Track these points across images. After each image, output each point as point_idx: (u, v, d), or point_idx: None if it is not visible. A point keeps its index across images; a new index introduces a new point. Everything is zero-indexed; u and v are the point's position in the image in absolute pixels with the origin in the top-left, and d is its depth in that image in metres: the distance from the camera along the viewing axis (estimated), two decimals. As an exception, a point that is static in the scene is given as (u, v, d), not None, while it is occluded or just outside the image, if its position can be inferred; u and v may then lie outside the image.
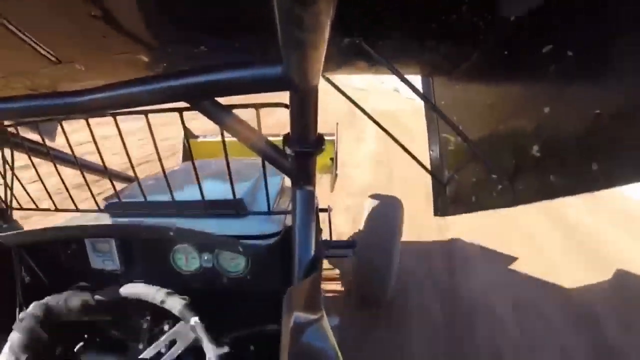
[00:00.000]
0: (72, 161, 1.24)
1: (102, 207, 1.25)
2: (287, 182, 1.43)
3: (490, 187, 0.92)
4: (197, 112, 0.69)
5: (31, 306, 1.00)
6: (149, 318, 1.08)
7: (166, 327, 1.06)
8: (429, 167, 1.27)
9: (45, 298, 1.02)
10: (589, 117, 0.62)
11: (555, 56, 0.68)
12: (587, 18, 0.62)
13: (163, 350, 1.02)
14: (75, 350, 1.07)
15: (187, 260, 1.15)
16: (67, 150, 1.23)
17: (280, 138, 0.72)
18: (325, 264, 2.69)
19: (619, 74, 0.58)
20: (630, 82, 0.55)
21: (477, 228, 3.24)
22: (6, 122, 1.09)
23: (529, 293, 2.61)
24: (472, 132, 0.97)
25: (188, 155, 2.14)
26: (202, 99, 0.66)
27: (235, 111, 0.72)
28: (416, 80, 1.16)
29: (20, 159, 1.18)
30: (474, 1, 0.76)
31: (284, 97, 0.67)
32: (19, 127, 1.12)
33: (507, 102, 0.87)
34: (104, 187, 1.31)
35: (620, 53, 0.58)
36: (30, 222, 1.26)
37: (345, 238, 2.82)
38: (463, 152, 1.08)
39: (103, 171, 1.24)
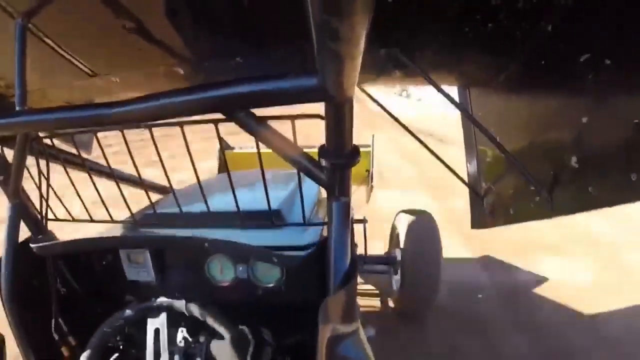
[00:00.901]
0: (107, 172, 1.24)
1: (137, 218, 1.23)
2: (323, 193, 1.44)
3: (528, 199, 0.90)
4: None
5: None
6: (184, 330, 1.10)
7: (202, 339, 1.07)
8: (466, 179, 1.25)
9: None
10: (628, 126, 0.60)
11: (593, 65, 0.67)
12: (624, 25, 0.61)
13: None
14: None
15: (222, 271, 1.16)
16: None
17: (316, 149, 0.72)
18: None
19: None
20: None
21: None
22: (42, 134, 1.10)
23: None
24: (510, 144, 0.96)
25: (223, 166, 2.18)
26: (237, 110, 0.66)
27: (271, 123, 0.72)
28: (452, 91, 1.17)
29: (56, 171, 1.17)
30: (510, 11, 0.76)
31: (321, 109, 0.68)
32: (54, 139, 1.14)
33: (544, 112, 0.85)
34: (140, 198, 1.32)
35: None
36: (65, 234, 1.23)
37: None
38: (500, 164, 1.07)
39: (138, 182, 1.24)
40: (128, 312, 1.06)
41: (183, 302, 1.08)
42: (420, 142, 1.23)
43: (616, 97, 0.64)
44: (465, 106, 1.17)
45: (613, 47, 0.64)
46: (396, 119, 1.25)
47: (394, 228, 2.43)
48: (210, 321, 1.04)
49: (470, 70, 1.04)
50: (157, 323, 1.08)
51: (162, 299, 1.08)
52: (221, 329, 1.03)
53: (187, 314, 1.06)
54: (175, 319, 1.10)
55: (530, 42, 0.81)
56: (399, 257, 2.24)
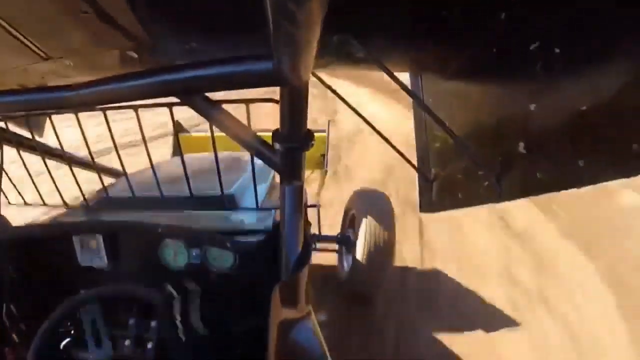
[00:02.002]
0: (60, 156, 1.23)
1: (90, 202, 1.24)
2: (277, 177, 1.43)
3: (476, 184, 0.93)
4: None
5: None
6: (135, 314, 1.07)
7: (153, 324, 1.04)
8: (415, 163, 1.27)
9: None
10: (574, 113, 0.63)
11: (542, 53, 0.69)
12: (573, 14, 0.63)
13: (150, 346, 1.01)
14: (61, 347, 1.04)
15: (176, 256, 1.14)
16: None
17: (270, 134, 0.72)
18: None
19: (605, 70, 0.59)
20: (615, 79, 0.56)
21: None
22: None
23: None
24: (460, 130, 0.98)
25: (177, 149, 2.16)
26: (192, 94, 0.65)
27: (226, 106, 0.72)
28: (404, 77, 1.17)
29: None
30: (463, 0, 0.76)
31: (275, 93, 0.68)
32: (8, 123, 1.12)
33: (494, 99, 0.88)
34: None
35: (606, 50, 0.59)
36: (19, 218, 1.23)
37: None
38: (450, 149, 1.09)
39: (91, 166, 1.23)
40: (78, 298, 1.02)
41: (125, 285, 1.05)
42: (371, 126, 1.23)
43: (564, 85, 0.67)
44: (416, 92, 1.19)
45: (562, 36, 0.66)
46: (346, 103, 1.24)
47: (347, 208, 2.45)
48: (135, 293, 1.02)
49: (423, 58, 1.05)
50: (100, 310, 1.03)
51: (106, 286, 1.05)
52: (147, 297, 1.02)
53: (129, 297, 1.04)
54: (126, 305, 1.07)
55: (482, 31, 0.82)
56: (352, 238, 2.26)
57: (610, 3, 0.57)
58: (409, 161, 1.25)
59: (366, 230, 2.12)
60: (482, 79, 0.91)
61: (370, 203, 2.26)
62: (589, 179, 0.60)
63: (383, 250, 2.12)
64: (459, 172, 1.04)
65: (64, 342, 1.06)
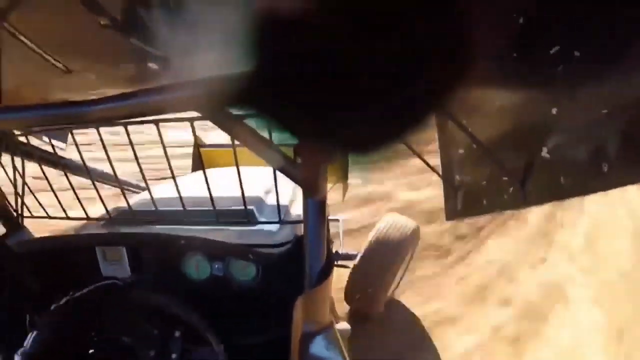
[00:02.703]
0: (83, 170, 1.24)
1: (113, 215, 1.25)
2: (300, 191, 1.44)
3: (501, 190, 0.91)
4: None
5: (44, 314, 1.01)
6: (159, 325, 1.09)
7: (177, 334, 1.06)
8: (439, 171, 1.27)
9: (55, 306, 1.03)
10: (597, 117, 0.61)
11: (563, 57, 0.68)
12: (593, 18, 0.62)
13: (174, 357, 1.03)
14: (84, 357, 1.07)
15: (198, 268, 1.15)
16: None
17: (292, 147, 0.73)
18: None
19: (627, 72, 0.58)
20: (637, 80, 0.55)
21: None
22: (17, 132, 1.10)
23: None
24: (482, 135, 0.97)
25: (198, 163, 2.20)
26: (213, 108, 0.66)
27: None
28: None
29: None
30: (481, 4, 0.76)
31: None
32: (29, 136, 1.13)
33: (516, 104, 0.87)
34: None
35: (628, 52, 0.58)
36: (41, 231, 1.25)
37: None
38: (473, 156, 1.08)
39: (114, 180, 1.24)
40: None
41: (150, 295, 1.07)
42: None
43: (585, 88, 0.65)
44: None
45: (582, 39, 0.65)
46: None
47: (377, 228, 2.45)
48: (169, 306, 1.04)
49: None
50: (125, 320, 1.07)
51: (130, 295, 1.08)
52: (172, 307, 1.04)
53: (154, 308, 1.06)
54: (150, 315, 1.08)
55: (503, 35, 0.82)
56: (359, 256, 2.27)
57: (628, 4, 0.56)
58: (433, 169, 1.25)
59: (369, 251, 2.14)
60: (504, 84, 0.90)
61: (388, 225, 2.25)
62: (613, 182, 0.59)
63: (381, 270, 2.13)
64: (483, 179, 1.03)
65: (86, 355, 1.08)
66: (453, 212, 1.24)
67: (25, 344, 0.97)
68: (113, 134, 1.10)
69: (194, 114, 0.69)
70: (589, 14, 0.63)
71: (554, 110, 0.72)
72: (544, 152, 0.75)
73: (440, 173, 1.27)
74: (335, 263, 2.22)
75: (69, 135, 1.34)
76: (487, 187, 1.00)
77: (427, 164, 1.26)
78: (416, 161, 1.24)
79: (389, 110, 0.34)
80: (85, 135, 1.11)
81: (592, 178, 0.63)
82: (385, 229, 2.22)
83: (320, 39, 0.29)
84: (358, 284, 2.21)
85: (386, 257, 2.14)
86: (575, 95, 0.67)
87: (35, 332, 0.99)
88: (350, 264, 2.26)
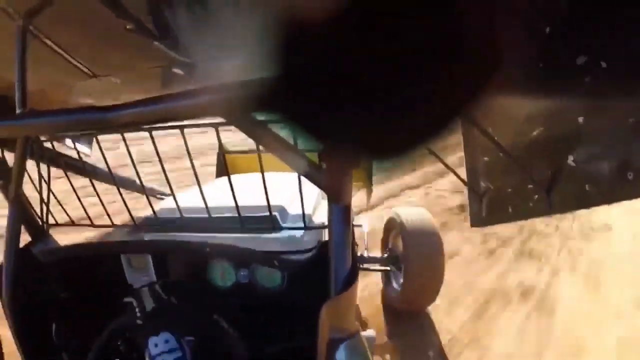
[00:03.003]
0: (107, 176, 1.22)
1: (138, 222, 1.23)
2: (324, 196, 1.44)
3: (526, 197, 0.92)
4: None
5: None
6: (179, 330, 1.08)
7: (190, 338, 1.05)
8: (464, 177, 1.27)
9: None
10: (623, 126, 0.62)
11: (590, 67, 0.69)
12: (621, 29, 0.63)
13: None
14: None
15: (223, 276, 1.16)
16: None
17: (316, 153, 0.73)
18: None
19: None
20: None
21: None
22: (42, 137, 1.10)
23: None
24: (509, 143, 0.98)
25: (222, 169, 2.16)
26: (237, 114, 0.66)
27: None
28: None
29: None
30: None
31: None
32: (55, 143, 1.13)
33: (542, 113, 0.87)
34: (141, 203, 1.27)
35: None
36: (67, 239, 1.24)
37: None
38: (499, 163, 1.09)
39: (139, 187, 1.24)
40: (128, 320, 1.06)
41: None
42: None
43: (612, 98, 0.66)
44: None
45: (608, 50, 0.66)
46: None
47: (389, 227, 2.45)
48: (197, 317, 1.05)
49: None
50: (151, 330, 1.05)
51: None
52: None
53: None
54: (169, 322, 1.08)
55: (529, 44, 0.83)
56: (400, 256, 2.26)
57: None
58: (458, 175, 1.26)
59: (414, 249, 2.13)
60: (530, 92, 0.91)
61: (413, 219, 2.25)
62: (639, 191, 0.59)
63: (433, 268, 2.12)
64: (508, 186, 1.03)
65: None
66: (478, 218, 1.24)
67: None
68: (136, 140, 1.09)
69: (219, 119, 0.70)
70: (616, 24, 0.64)
71: (580, 120, 0.73)
72: (570, 161, 0.76)
73: (466, 180, 1.27)
74: (360, 267, 2.22)
75: (94, 141, 1.33)
76: (512, 194, 1.01)
77: (452, 170, 1.27)
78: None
79: (414, 115, 0.35)
80: (109, 142, 1.10)
81: (618, 187, 0.63)
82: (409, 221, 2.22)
83: (345, 44, 0.30)
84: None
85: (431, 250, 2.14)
86: (602, 105, 0.68)
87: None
88: (375, 267, 2.27)
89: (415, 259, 2.12)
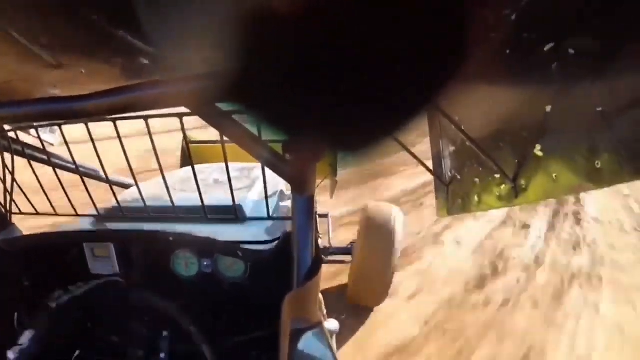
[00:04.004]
0: (71, 166, 1.25)
1: (101, 212, 1.25)
2: (288, 187, 1.43)
3: (492, 187, 0.91)
4: None
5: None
6: (148, 324, 1.09)
7: (165, 333, 1.07)
8: (430, 167, 1.27)
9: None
10: (591, 114, 0.61)
11: (557, 54, 0.68)
12: (588, 14, 0.62)
13: (162, 356, 1.04)
14: (73, 358, 1.08)
15: (187, 265, 1.15)
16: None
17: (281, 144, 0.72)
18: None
19: (622, 72, 0.58)
20: (632, 78, 0.55)
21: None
22: (6, 127, 1.09)
23: None
24: (475, 132, 0.97)
25: (187, 159, 2.16)
26: (202, 104, 0.65)
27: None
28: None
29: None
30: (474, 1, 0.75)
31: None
32: (18, 132, 1.12)
33: (509, 101, 0.87)
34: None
35: (623, 50, 0.57)
36: (29, 228, 1.24)
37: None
38: (465, 152, 1.08)
39: (103, 177, 1.25)
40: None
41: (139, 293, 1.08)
42: None
43: (579, 86, 0.65)
44: None
45: (576, 37, 0.65)
46: None
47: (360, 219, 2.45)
48: (159, 306, 1.04)
49: None
50: (113, 318, 1.07)
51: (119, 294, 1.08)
52: (161, 307, 1.04)
53: (143, 306, 1.05)
54: (139, 314, 1.09)
55: (496, 32, 0.81)
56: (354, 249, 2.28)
57: (625, 1, 0.56)
58: (424, 164, 1.25)
59: (364, 242, 2.14)
60: (497, 81, 0.90)
61: (374, 214, 2.26)
62: (607, 180, 0.59)
63: (382, 261, 2.14)
64: (474, 176, 1.03)
65: (75, 354, 1.09)
66: (444, 208, 1.24)
67: (20, 342, 0.96)
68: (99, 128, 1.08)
69: (183, 109, 0.68)
70: (583, 10, 0.63)
71: (548, 108, 0.72)
72: (537, 150, 0.75)
73: (431, 168, 1.27)
74: (325, 259, 2.22)
75: (58, 131, 1.33)
76: (478, 184, 1.00)
77: (418, 160, 1.26)
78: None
79: (379, 105, 0.34)
80: (72, 131, 1.08)
81: (586, 176, 0.63)
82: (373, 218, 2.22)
83: (310, 35, 0.29)
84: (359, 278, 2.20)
85: (382, 246, 2.14)
86: (570, 93, 0.67)
87: (31, 330, 0.99)
88: (340, 258, 2.27)
89: (361, 250, 2.13)
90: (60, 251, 1.20)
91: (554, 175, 0.71)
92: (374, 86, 0.32)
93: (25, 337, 1.00)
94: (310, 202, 0.80)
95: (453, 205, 1.17)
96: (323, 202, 2.91)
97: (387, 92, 0.33)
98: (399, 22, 0.29)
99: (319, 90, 0.32)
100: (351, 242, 2.41)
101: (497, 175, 0.89)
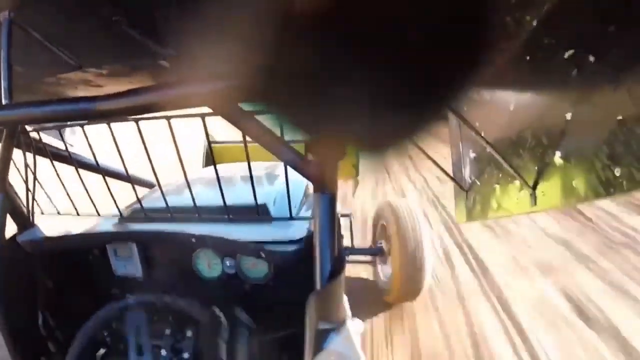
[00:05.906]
0: (94, 166, 1.23)
1: (123, 212, 1.25)
2: (311, 187, 1.43)
3: (512, 193, 0.91)
4: None
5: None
6: (172, 324, 1.09)
7: (189, 334, 1.07)
8: (450, 173, 1.27)
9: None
10: (611, 122, 0.61)
11: (577, 61, 0.68)
12: (607, 22, 0.62)
13: (186, 356, 1.04)
14: (97, 356, 1.08)
15: (210, 266, 1.15)
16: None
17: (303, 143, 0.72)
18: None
19: None
20: None
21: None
22: (28, 127, 1.10)
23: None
24: (495, 138, 0.97)
25: (209, 160, 2.17)
26: (224, 104, 0.66)
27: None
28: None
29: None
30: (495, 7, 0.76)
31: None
32: (41, 132, 1.13)
33: (529, 108, 0.87)
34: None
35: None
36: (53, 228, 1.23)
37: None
38: (485, 159, 1.08)
39: (125, 176, 1.24)
40: (113, 307, 1.05)
41: (163, 296, 1.07)
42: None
43: (599, 94, 0.65)
44: None
45: (596, 44, 0.65)
46: None
47: (377, 218, 2.44)
48: (183, 308, 1.04)
49: None
50: (137, 320, 1.07)
51: (143, 296, 1.08)
52: (194, 314, 1.04)
53: (167, 308, 1.06)
54: (163, 314, 1.08)
55: (515, 39, 0.81)
56: (385, 248, 2.26)
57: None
58: (443, 170, 1.25)
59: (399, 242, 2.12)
60: (517, 87, 0.90)
61: (398, 211, 2.24)
62: (626, 187, 0.59)
63: (417, 260, 2.11)
64: (494, 182, 1.02)
65: (99, 352, 1.09)
66: (463, 213, 1.24)
67: None
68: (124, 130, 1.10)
69: (206, 109, 0.69)
70: (604, 18, 0.63)
71: (568, 115, 0.72)
72: (557, 157, 0.75)
73: (451, 174, 1.27)
74: (348, 259, 2.21)
75: (81, 132, 1.32)
76: (498, 190, 1.00)
77: (437, 165, 1.26)
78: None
79: (401, 107, 0.34)
80: (97, 132, 1.10)
81: (605, 183, 0.62)
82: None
83: (333, 35, 0.29)
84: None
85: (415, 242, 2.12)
86: (590, 100, 0.67)
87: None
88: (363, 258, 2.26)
89: (398, 250, 2.11)
90: (83, 252, 1.20)
91: (573, 182, 0.71)
92: (397, 87, 0.32)
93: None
94: (332, 201, 0.79)
95: (471, 211, 1.17)
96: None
97: (409, 94, 0.33)
98: (422, 25, 0.28)
99: (341, 90, 0.32)
100: (376, 242, 2.40)
101: (517, 182, 0.89)
